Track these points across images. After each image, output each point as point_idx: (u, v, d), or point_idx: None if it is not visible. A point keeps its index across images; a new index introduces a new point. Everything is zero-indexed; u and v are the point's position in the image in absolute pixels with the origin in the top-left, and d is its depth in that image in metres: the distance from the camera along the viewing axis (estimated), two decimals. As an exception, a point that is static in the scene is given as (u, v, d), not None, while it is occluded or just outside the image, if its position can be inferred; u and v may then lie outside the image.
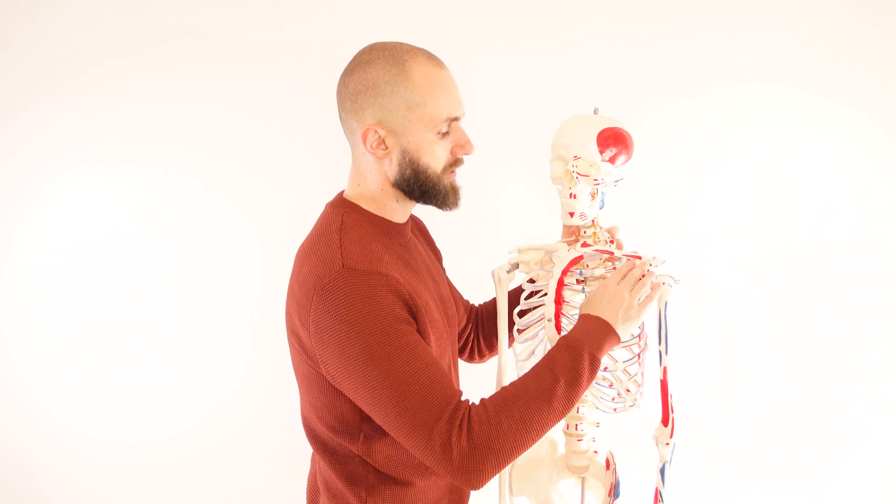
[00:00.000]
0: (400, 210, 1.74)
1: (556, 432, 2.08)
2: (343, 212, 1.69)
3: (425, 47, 1.68)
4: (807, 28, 3.06)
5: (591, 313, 1.68)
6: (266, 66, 3.13)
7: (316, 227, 1.74)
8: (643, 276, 1.74)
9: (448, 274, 2.11)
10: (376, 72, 1.60)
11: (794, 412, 3.25)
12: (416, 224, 2.01)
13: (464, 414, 1.52)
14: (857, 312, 3.20)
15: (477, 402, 1.56)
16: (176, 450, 3.38)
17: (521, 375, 1.62)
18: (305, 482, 2.02)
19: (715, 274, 3.21)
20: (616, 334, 1.67)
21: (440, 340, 1.71)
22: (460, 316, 2.08)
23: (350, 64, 1.67)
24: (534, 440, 1.56)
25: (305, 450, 2.06)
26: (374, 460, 1.71)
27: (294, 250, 1.75)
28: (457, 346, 1.94)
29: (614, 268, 1.83)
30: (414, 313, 1.60)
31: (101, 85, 3.16)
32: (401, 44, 1.65)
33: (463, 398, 1.56)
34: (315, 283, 1.57)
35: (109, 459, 3.38)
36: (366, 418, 1.66)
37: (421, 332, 1.62)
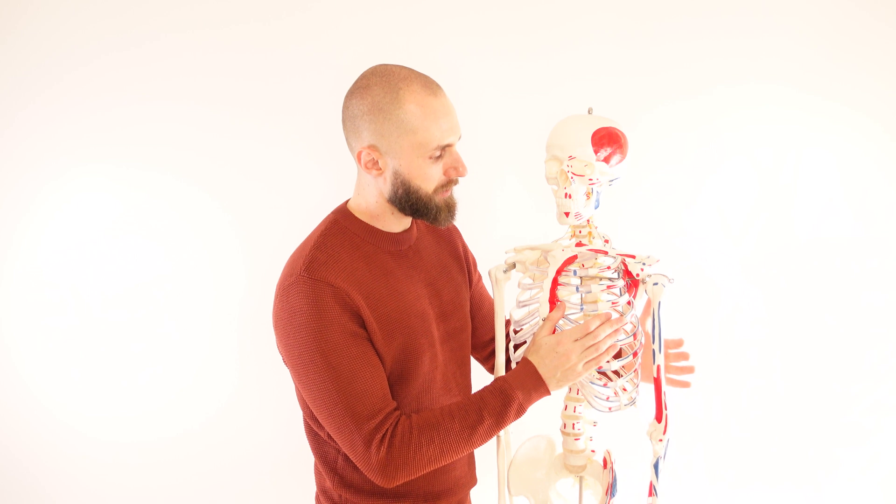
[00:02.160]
0: (396, 221, 1.85)
1: (554, 432, 2.09)
2: (334, 218, 1.83)
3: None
4: (807, 27, 3.06)
5: (534, 362, 1.75)
6: (268, 65, 3.13)
7: (311, 232, 1.86)
8: (611, 330, 1.77)
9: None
10: (372, 98, 1.69)
11: (794, 412, 3.25)
12: (446, 230, 2.08)
13: (389, 428, 1.68)
14: (857, 312, 3.20)
15: (409, 419, 1.70)
16: (176, 450, 3.38)
17: (451, 405, 1.74)
18: (305, 481, 2.06)
19: (715, 274, 3.20)
20: (547, 391, 1.76)
21: (411, 346, 1.80)
22: (486, 326, 2.17)
23: (352, 87, 1.76)
24: (448, 461, 1.74)
25: (306, 449, 2.06)
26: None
27: (293, 250, 1.83)
28: (457, 351, 1.98)
29: (608, 267, 1.83)
30: (364, 323, 1.71)
31: (101, 85, 3.16)
32: (399, 69, 1.73)
33: (394, 411, 1.71)
34: (280, 284, 1.74)
35: (109, 459, 3.38)
36: None
37: (373, 341, 1.73)
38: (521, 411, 1.74)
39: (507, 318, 2.10)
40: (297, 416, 2.01)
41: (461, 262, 2.08)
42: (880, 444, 3.26)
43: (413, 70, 1.74)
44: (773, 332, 3.23)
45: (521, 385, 1.73)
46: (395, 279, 1.80)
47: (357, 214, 1.83)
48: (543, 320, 1.81)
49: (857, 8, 3.06)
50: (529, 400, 1.74)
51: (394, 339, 1.75)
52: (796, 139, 3.14)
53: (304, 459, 2.18)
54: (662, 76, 3.09)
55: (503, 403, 1.71)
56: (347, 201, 1.88)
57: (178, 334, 3.33)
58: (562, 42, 3.09)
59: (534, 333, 1.82)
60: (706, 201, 3.18)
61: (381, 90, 1.69)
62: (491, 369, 2.23)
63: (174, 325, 3.32)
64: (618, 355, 1.86)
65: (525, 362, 1.76)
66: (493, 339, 2.17)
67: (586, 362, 1.75)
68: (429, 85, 1.72)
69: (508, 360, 2.03)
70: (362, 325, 1.70)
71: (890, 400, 3.23)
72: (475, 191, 2.99)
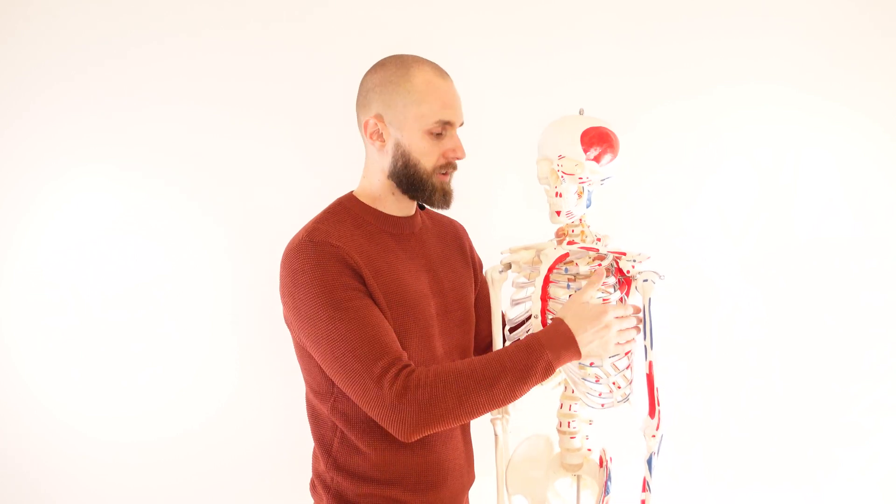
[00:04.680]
0: (396, 203, 1.92)
1: (551, 430, 2.09)
2: (339, 200, 1.92)
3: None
4: (806, 27, 3.06)
5: (571, 324, 1.75)
6: (268, 67, 3.14)
7: None
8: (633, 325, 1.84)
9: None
10: (385, 72, 1.83)
11: (793, 412, 3.25)
12: (452, 226, 2.17)
13: (402, 368, 1.67)
14: (856, 312, 3.20)
15: (427, 367, 1.70)
16: (176, 450, 3.38)
17: (474, 358, 1.73)
18: (306, 479, 2.05)
19: (714, 274, 3.20)
20: (578, 353, 1.75)
21: (407, 320, 1.82)
22: (489, 327, 2.14)
23: (370, 68, 1.89)
24: (468, 417, 1.69)
25: (306, 447, 2.07)
26: (343, 424, 1.85)
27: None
28: (458, 344, 2.00)
29: (600, 265, 1.84)
30: (363, 280, 1.75)
31: (101, 85, 3.18)
32: (415, 55, 1.86)
33: (405, 359, 1.70)
34: (285, 251, 1.81)
35: (109, 459, 3.39)
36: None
37: (373, 297, 1.77)
38: (549, 371, 1.72)
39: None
40: (296, 416, 2.02)
41: (467, 259, 2.13)
42: (879, 444, 3.25)
43: (426, 59, 1.86)
44: (772, 332, 3.23)
45: (552, 344, 1.72)
46: (396, 257, 1.86)
47: (361, 198, 1.91)
48: (534, 315, 1.82)
49: (857, 8, 3.06)
50: (559, 360, 1.72)
51: (392, 308, 1.79)
52: (796, 139, 3.14)
53: (303, 459, 2.18)
54: (662, 76, 3.10)
55: (529, 359, 1.70)
56: (352, 191, 1.96)
57: (178, 334, 3.33)
58: (563, 43, 3.10)
59: (575, 293, 1.83)
60: (706, 201, 3.19)
61: (393, 66, 1.82)
62: None
63: (174, 325, 3.33)
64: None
65: (559, 322, 1.76)
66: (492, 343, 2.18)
67: (617, 343, 1.79)
68: (438, 69, 1.85)
69: None
70: (363, 283, 1.74)
71: (889, 400, 3.22)
72: (477, 190, 3.00)
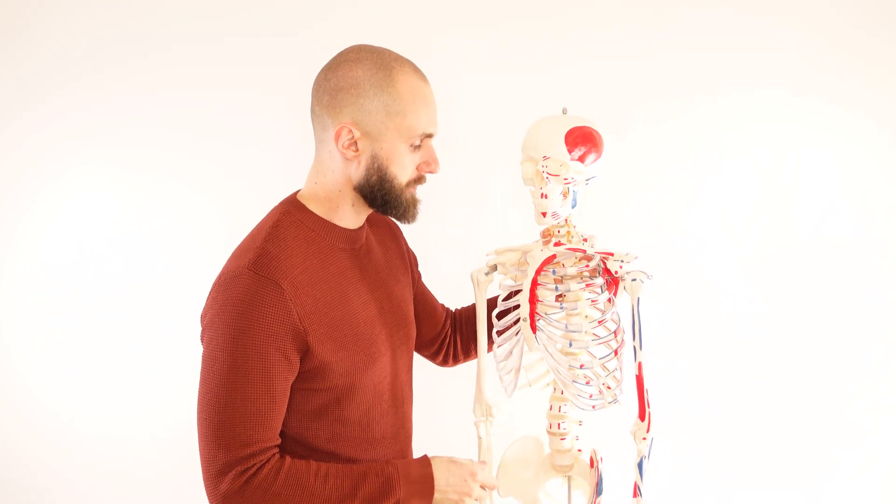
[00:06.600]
0: (352, 214, 1.74)
1: (541, 432, 2.09)
2: (285, 210, 1.69)
3: (417, 52, 1.72)
4: (806, 30, 3.05)
5: (436, 469, 1.70)
6: (264, 71, 3.16)
7: (257, 224, 1.73)
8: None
9: (428, 277, 2.14)
10: (362, 72, 1.60)
11: (793, 412, 3.23)
12: (387, 226, 2.01)
13: (255, 465, 1.54)
14: (855, 312, 3.18)
15: (282, 462, 1.57)
16: (176, 450, 3.38)
17: (332, 467, 1.63)
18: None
19: (714, 274, 3.19)
20: (430, 500, 1.67)
21: (360, 356, 1.69)
22: (433, 321, 2.10)
23: (334, 59, 1.67)
24: None
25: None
26: (315, 438, 1.70)
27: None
28: (407, 360, 1.93)
29: (587, 266, 1.83)
30: (304, 333, 1.57)
31: (101, 86, 3.19)
32: (389, 50, 1.66)
33: (272, 449, 1.58)
34: (222, 275, 1.61)
35: (110, 459, 3.40)
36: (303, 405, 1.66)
37: (312, 349, 1.59)
38: None
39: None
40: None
41: (405, 261, 2.02)
42: (878, 444, 3.23)
43: (400, 54, 1.67)
44: (772, 332, 3.22)
45: (410, 482, 1.65)
46: (348, 281, 1.70)
47: (311, 207, 1.70)
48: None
49: (857, 10, 3.05)
50: (409, 500, 1.64)
51: (342, 346, 1.64)
52: (797, 139, 3.13)
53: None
54: (663, 77, 3.09)
55: (382, 492, 1.61)
56: (297, 192, 1.76)
57: (178, 334, 3.34)
58: (568, 44, 3.10)
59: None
60: (707, 201, 3.18)
61: (372, 66, 1.60)
62: (441, 363, 2.20)
63: (174, 325, 3.34)
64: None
65: (426, 463, 1.71)
66: (438, 335, 2.13)
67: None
68: (419, 71, 1.66)
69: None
70: (301, 334, 1.57)
71: (888, 400, 3.20)
72: (463, 193, 3.00)
